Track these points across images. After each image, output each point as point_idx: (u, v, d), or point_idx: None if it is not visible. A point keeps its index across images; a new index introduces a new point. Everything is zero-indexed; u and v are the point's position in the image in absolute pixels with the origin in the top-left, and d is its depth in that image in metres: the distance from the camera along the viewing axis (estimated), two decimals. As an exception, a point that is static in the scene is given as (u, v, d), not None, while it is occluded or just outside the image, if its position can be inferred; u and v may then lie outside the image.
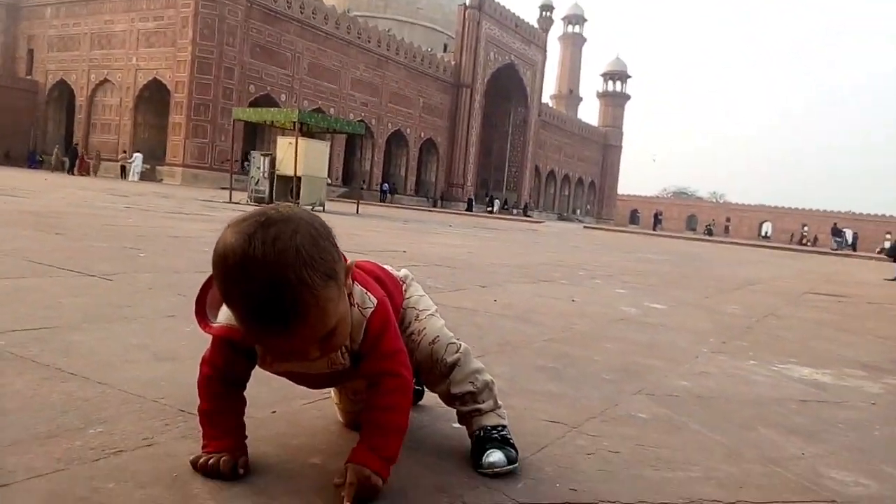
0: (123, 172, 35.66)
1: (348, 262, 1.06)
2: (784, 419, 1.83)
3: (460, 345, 1.33)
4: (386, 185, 48.80)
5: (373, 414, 1.14)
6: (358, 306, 1.12)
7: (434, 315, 1.36)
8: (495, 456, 1.24)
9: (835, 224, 50.05)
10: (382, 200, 45.47)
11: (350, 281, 1.08)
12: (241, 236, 0.94)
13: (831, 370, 2.62)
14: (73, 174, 33.22)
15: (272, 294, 0.92)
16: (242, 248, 0.93)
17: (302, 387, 1.29)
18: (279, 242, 0.93)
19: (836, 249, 38.69)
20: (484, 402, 1.32)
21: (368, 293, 1.15)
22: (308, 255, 0.94)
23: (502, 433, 1.30)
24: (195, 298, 1.11)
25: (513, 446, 1.28)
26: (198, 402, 1.18)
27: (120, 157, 37.11)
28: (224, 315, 1.09)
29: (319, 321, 0.97)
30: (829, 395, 2.19)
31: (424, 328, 1.32)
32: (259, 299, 0.92)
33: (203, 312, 1.11)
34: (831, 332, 3.79)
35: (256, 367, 1.18)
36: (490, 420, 1.31)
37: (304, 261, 0.93)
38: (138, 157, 35.21)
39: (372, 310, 1.14)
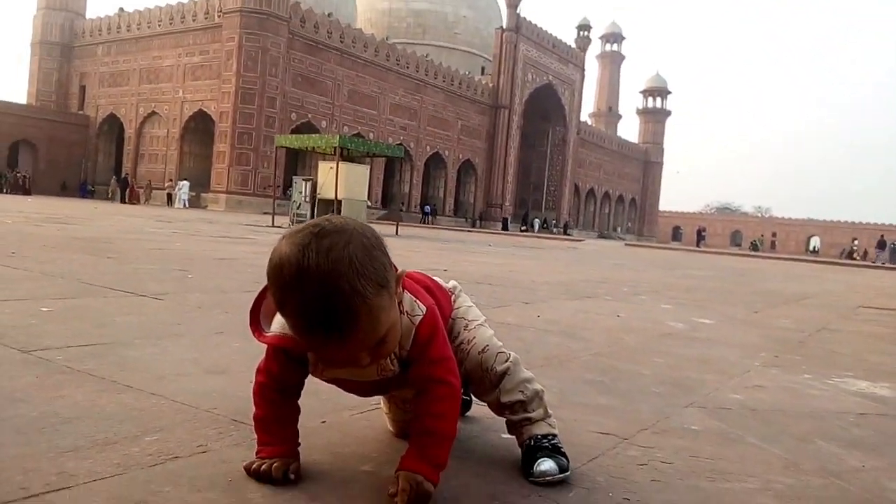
0: (170, 200, 36.67)
1: (399, 271, 1.08)
2: (843, 432, 1.77)
3: (510, 354, 1.33)
4: (428, 206, 49.14)
5: (422, 421, 1.15)
6: (407, 314, 1.13)
7: (483, 325, 1.36)
8: (546, 464, 1.23)
9: (881, 236, 48.48)
10: (424, 222, 45.74)
11: (400, 289, 1.09)
12: (296, 247, 0.96)
13: (889, 383, 2.52)
14: (124, 203, 34.29)
15: (326, 303, 0.94)
16: (297, 258, 0.95)
17: (351, 397, 1.30)
18: (333, 252, 0.95)
19: (882, 263, 37.59)
20: (534, 410, 1.31)
21: (418, 301, 1.16)
22: (360, 265, 0.96)
23: (553, 442, 1.28)
24: (249, 309, 1.14)
25: (564, 455, 1.27)
26: (251, 410, 1.20)
27: (167, 185, 38.20)
28: (278, 324, 1.11)
29: (371, 329, 0.99)
30: (888, 409, 2.11)
31: (474, 337, 1.32)
32: (313, 308, 0.94)
33: (257, 322, 1.13)
34: (887, 346, 3.67)
35: (309, 377, 1.19)
36: (540, 429, 1.30)
37: (356, 270, 0.95)
38: (185, 184, 36.18)
39: (421, 317, 1.14)
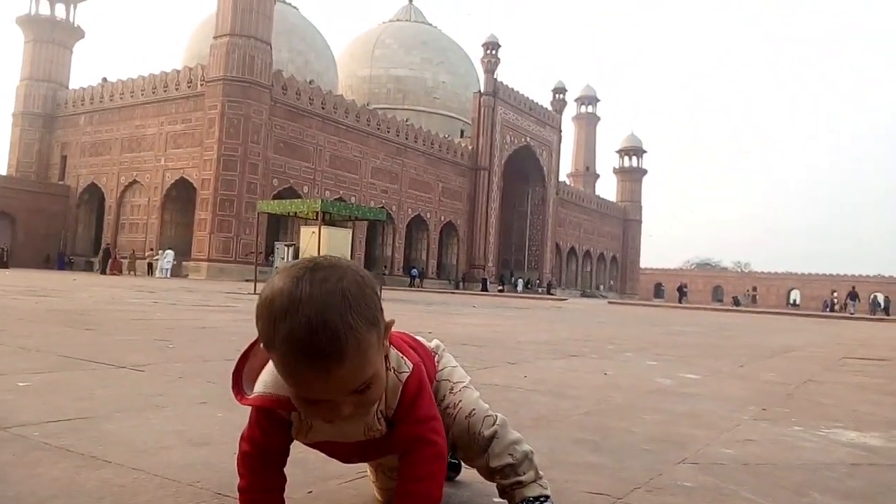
0: (150, 269, 36.35)
1: (389, 320, 1.06)
2: (837, 483, 1.75)
3: (496, 416, 1.31)
4: (415, 269, 49.38)
5: (406, 485, 1.12)
6: (394, 370, 1.12)
7: (468, 387, 1.34)
8: None
9: (853, 287, 50.12)
10: (412, 285, 45.76)
11: (387, 342, 1.08)
12: (290, 279, 0.97)
13: (879, 433, 2.52)
14: (104, 274, 33.92)
15: (315, 330, 0.92)
16: (290, 289, 0.95)
17: (337, 465, 1.28)
18: (326, 285, 0.95)
19: (851, 313, 38.53)
20: (524, 473, 1.29)
21: (404, 357, 1.15)
22: (353, 299, 0.96)
23: (545, 503, 1.26)
24: (232, 370, 1.12)
25: None
26: (236, 482, 1.17)
27: (147, 254, 37.90)
28: (261, 384, 1.10)
29: (358, 365, 0.97)
30: (880, 458, 2.10)
31: (460, 401, 1.30)
32: (301, 335, 0.92)
33: (239, 385, 1.12)
34: (875, 396, 3.67)
35: (294, 444, 1.17)
36: (532, 491, 1.28)
37: (349, 304, 0.95)
38: (170, 253, 35.85)
39: (408, 374, 1.13)
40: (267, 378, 1.09)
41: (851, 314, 36.98)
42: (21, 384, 2.53)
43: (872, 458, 2.10)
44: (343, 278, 0.97)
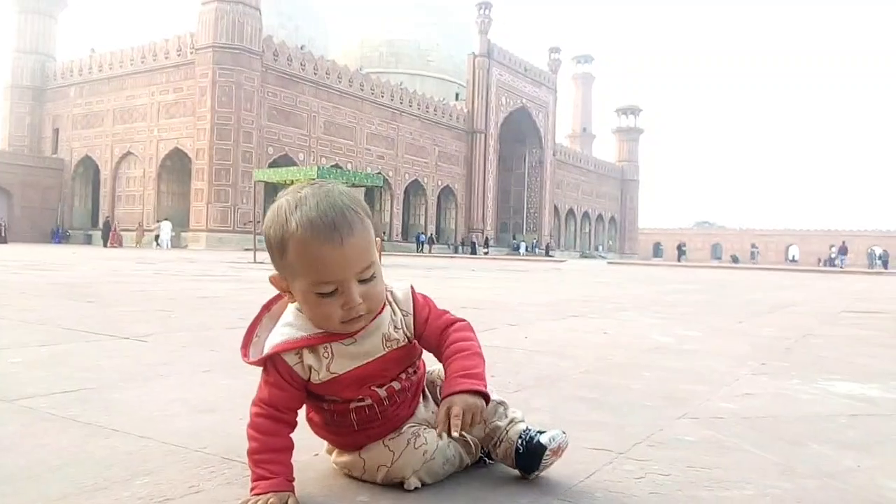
0: (156, 241, 36.30)
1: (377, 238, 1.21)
2: (835, 434, 1.78)
3: None
4: (421, 235, 49.43)
5: (452, 347, 1.26)
6: (395, 288, 1.28)
7: None
8: (551, 432, 1.30)
9: (843, 242, 50.48)
10: (419, 251, 45.87)
11: (376, 252, 1.19)
12: (290, 193, 1.14)
13: (878, 384, 2.55)
14: (105, 247, 33.86)
15: (324, 210, 1.09)
16: (293, 194, 1.13)
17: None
18: (323, 187, 1.14)
19: (842, 267, 38.99)
20: (515, 412, 1.38)
21: (396, 281, 1.32)
22: (348, 195, 1.14)
23: (538, 429, 1.34)
24: (241, 345, 1.21)
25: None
26: (243, 447, 1.20)
27: (153, 226, 37.75)
28: (277, 336, 1.18)
29: (364, 242, 1.12)
30: (878, 409, 2.13)
31: None
32: (314, 215, 1.08)
33: (247, 348, 1.22)
34: (873, 348, 3.70)
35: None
36: (525, 425, 1.36)
37: (345, 195, 1.14)
38: (166, 224, 35.73)
39: (409, 284, 1.30)
40: (281, 330, 1.19)
41: (841, 268, 37.39)
42: (26, 356, 2.54)
43: (871, 408, 2.13)
44: (335, 186, 1.15)
